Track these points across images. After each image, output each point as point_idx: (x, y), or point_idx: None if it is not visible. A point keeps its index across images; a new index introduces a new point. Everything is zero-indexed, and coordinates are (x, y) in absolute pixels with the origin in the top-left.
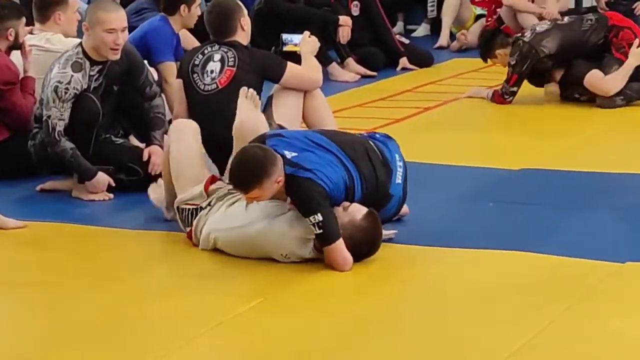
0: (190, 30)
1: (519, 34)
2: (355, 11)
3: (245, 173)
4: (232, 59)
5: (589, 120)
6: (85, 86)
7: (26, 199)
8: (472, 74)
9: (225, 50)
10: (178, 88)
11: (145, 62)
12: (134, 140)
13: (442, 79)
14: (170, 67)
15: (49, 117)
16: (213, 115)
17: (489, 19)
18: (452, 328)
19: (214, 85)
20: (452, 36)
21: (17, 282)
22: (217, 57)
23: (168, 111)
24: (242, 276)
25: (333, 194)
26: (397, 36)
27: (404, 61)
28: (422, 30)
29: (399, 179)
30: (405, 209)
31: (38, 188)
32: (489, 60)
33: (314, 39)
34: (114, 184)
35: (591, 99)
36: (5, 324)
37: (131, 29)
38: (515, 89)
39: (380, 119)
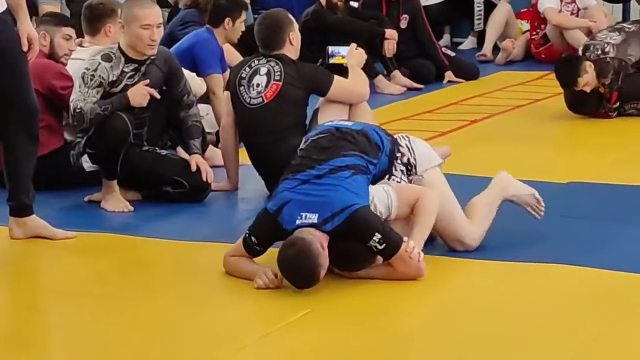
0: (238, 44)
1: (600, 54)
2: (404, 24)
3: (306, 281)
4: (279, 72)
5: (636, 134)
6: (113, 78)
7: (74, 209)
8: (518, 87)
9: (273, 64)
10: (226, 100)
11: (194, 74)
12: (181, 152)
13: (488, 92)
14: (218, 79)
15: (72, 100)
16: (259, 128)
17: (533, 33)
18: (497, 342)
19: (260, 99)
20: (496, 50)
21: (66, 292)
22: (263, 70)
23: (215, 123)
24: (288, 287)
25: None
26: (443, 49)
27: (449, 74)
28: (468, 43)
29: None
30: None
31: (86, 199)
32: (579, 81)
33: (361, 51)
34: (157, 96)
35: None
36: (56, 333)
37: (175, 40)
38: (617, 104)
39: (426, 131)
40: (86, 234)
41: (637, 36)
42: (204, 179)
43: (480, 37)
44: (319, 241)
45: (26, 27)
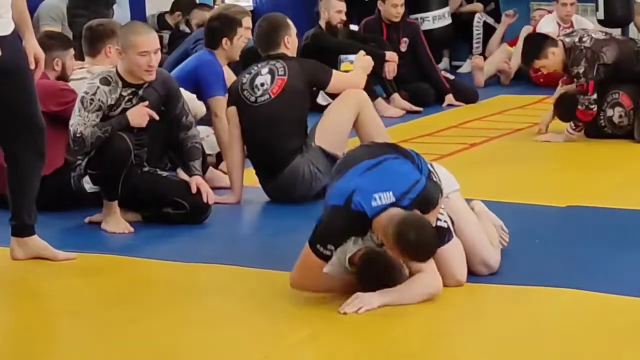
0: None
1: (577, 40)
2: (404, 47)
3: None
4: (282, 68)
5: (633, 156)
6: (112, 102)
7: (74, 230)
8: (517, 110)
9: (273, 62)
10: (232, 115)
11: (194, 95)
12: (181, 174)
13: (488, 115)
14: (221, 101)
15: (72, 125)
16: (266, 123)
17: None
18: None
19: (267, 96)
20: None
21: (66, 312)
22: (264, 71)
23: (215, 145)
24: (288, 308)
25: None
26: (443, 72)
27: (449, 97)
28: (467, 66)
29: None
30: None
31: (86, 220)
32: (536, 61)
33: (368, 57)
34: (156, 117)
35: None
36: (56, 354)
37: (187, 57)
38: (595, 96)
39: (426, 154)
40: (86, 255)
41: (619, 43)
42: (205, 201)
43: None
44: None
45: (33, 45)
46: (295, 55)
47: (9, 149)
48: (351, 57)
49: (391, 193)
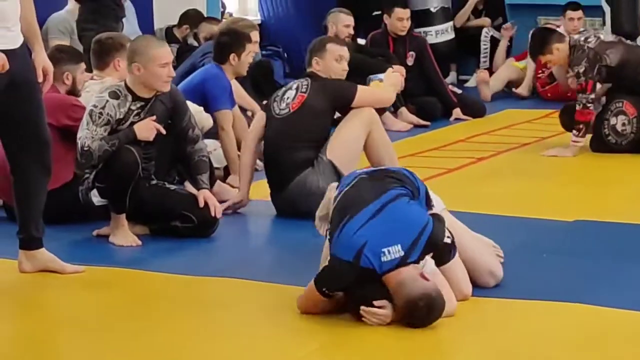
0: (245, 79)
1: (582, 39)
2: (410, 61)
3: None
4: (306, 86)
5: None
6: (120, 115)
7: (82, 243)
8: (524, 125)
9: (303, 80)
10: (259, 119)
11: (201, 108)
12: (189, 187)
13: (495, 130)
14: (228, 115)
15: (79, 138)
16: (280, 135)
17: (539, 72)
18: None
19: (287, 110)
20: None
21: (74, 325)
22: (294, 85)
23: (222, 159)
24: (296, 322)
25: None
26: (450, 86)
27: (457, 111)
28: (474, 80)
29: None
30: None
31: (94, 233)
32: (541, 56)
33: (397, 74)
34: (163, 131)
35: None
36: None
37: (195, 70)
38: (593, 95)
39: (433, 168)
40: (94, 268)
41: (627, 48)
42: (213, 215)
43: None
44: (433, 285)
45: (42, 58)
46: (332, 77)
47: (16, 161)
48: (380, 75)
49: (399, 246)
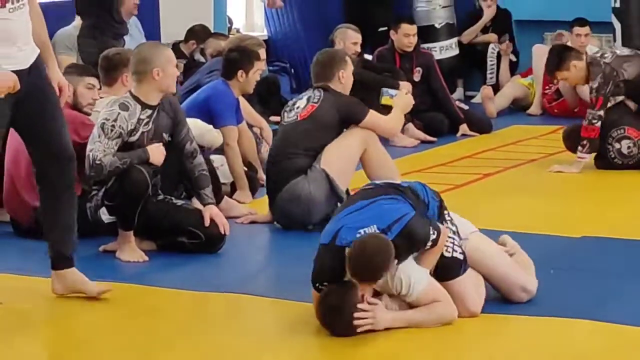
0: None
1: (598, 55)
2: (417, 77)
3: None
4: (318, 97)
5: None
6: (131, 127)
7: (89, 259)
8: (531, 141)
9: (315, 91)
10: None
11: (210, 126)
12: (196, 203)
13: (502, 146)
14: (233, 131)
15: (91, 150)
16: (281, 141)
17: (546, 88)
18: None
19: (295, 117)
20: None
21: (81, 341)
22: (305, 96)
23: (229, 174)
24: (303, 336)
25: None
26: (457, 102)
27: (464, 127)
28: (481, 96)
29: None
30: None
31: (101, 249)
32: (557, 73)
33: (409, 96)
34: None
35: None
36: None
37: (199, 87)
38: (602, 112)
39: (439, 184)
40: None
41: None
42: (221, 232)
43: (493, 90)
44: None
45: (56, 74)
46: (348, 89)
47: (41, 178)
48: (392, 92)
49: (375, 227)
